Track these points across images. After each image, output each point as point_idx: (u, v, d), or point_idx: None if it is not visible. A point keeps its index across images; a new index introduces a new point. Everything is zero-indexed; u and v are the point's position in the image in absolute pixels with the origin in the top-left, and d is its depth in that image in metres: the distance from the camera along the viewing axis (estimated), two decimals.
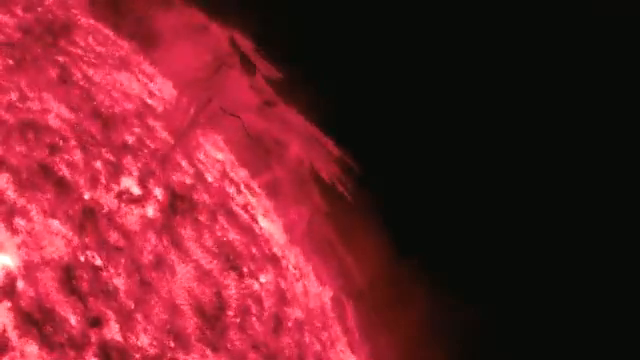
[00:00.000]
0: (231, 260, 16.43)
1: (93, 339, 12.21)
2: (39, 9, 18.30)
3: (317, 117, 22.61)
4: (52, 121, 14.84)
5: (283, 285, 18.14)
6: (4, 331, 11.43)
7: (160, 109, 18.58)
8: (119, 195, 14.60)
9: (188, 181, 17.02)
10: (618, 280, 26.34)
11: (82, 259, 12.95)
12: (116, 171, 14.97)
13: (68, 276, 12.52)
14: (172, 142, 17.49)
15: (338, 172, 23.29)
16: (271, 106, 21.53)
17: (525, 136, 28.49)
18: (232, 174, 19.89)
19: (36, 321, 11.78)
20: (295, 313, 17.85)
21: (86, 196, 13.93)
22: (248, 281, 16.59)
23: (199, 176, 17.70)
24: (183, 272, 14.60)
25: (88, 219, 13.58)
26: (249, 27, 22.02)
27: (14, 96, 14.93)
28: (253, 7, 22.64)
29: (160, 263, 14.19)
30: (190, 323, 13.93)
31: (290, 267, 19.42)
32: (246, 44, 21.56)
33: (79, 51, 18.07)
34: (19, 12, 17.77)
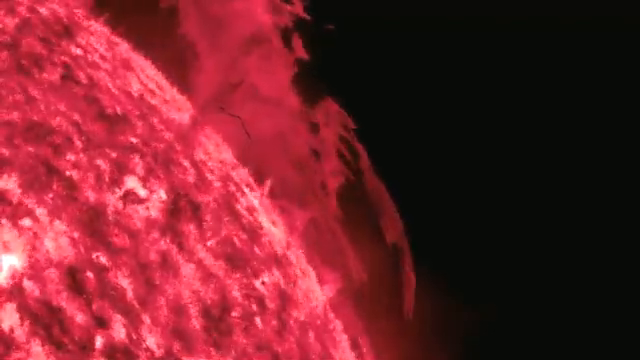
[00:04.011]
0: (234, 260, 16.46)
1: (99, 339, 12.22)
2: (42, 10, 18.31)
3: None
4: (56, 121, 14.85)
5: (285, 285, 18.17)
6: (11, 331, 11.43)
7: (163, 109, 18.62)
8: (124, 195, 14.62)
9: (191, 181, 17.05)
10: (618, 280, 26.39)
11: (87, 259, 12.96)
12: (120, 171, 14.99)
13: (74, 276, 12.53)
14: (175, 142, 17.51)
15: (340, 171, 23.29)
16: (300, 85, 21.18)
17: (522, 138, 28.53)
18: (234, 174, 19.93)
19: (42, 321, 11.79)
20: (297, 313, 17.88)
21: (91, 196, 13.94)
22: (251, 281, 16.62)
23: (202, 176, 17.73)
24: (188, 272, 14.63)
25: (93, 219, 13.59)
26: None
27: (18, 97, 14.93)
28: None
29: (165, 263, 14.21)
30: (195, 324, 13.96)
31: (292, 267, 19.46)
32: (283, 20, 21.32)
33: (82, 52, 18.08)
34: (22, 12, 17.77)
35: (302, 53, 22.04)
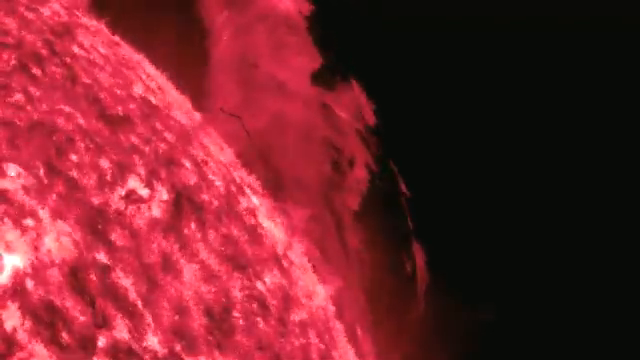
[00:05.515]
0: (236, 260, 16.46)
1: (102, 340, 12.22)
2: (43, 10, 18.29)
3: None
4: (58, 122, 14.85)
5: (286, 286, 18.16)
6: (14, 331, 11.44)
7: (165, 110, 18.59)
8: (126, 195, 14.62)
9: (193, 182, 17.04)
10: (618, 280, 26.42)
11: (90, 259, 12.96)
12: (123, 172, 14.99)
13: (76, 276, 12.53)
14: (177, 143, 17.50)
15: (341, 171, 23.27)
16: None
17: (520, 139, 28.58)
18: (235, 174, 19.91)
19: (45, 321, 11.79)
20: (298, 314, 17.87)
21: (93, 196, 13.94)
22: (253, 282, 16.62)
23: (203, 177, 17.72)
24: (190, 273, 14.63)
25: (95, 219, 13.59)
26: None
27: (20, 97, 14.93)
28: None
29: (167, 264, 14.21)
30: (197, 324, 13.96)
31: (293, 267, 19.45)
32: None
33: (83, 52, 18.06)
34: (22, 12, 17.75)
35: (326, 44, 21.80)
